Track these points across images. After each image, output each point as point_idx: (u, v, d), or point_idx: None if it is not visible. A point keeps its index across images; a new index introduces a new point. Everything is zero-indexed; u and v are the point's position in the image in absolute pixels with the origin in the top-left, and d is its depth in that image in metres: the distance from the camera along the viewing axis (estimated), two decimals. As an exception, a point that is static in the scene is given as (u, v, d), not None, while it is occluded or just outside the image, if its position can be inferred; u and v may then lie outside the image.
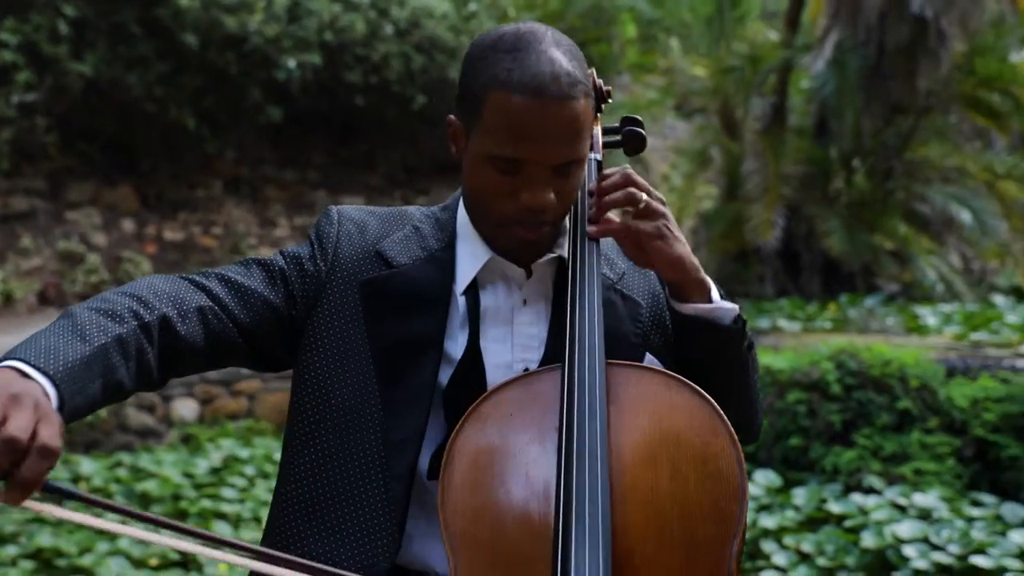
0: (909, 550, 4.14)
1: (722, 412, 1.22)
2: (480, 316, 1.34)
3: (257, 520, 4.62)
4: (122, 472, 5.22)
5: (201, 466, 5.34)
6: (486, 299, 1.36)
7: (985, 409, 5.20)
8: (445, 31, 10.35)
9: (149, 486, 4.94)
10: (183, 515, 4.67)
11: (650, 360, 1.36)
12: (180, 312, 1.23)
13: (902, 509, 4.61)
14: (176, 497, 4.91)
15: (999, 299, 9.59)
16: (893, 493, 4.77)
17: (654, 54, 16.47)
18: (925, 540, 4.23)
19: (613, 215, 1.36)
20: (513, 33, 1.27)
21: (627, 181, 1.30)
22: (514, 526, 1.19)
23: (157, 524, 1.02)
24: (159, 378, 1.23)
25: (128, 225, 9.22)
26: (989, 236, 9.54)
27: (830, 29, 9.70)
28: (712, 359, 1.31)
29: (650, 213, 1.29)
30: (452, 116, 1.34)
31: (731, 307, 1.32)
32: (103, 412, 5.85)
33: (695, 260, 1.31)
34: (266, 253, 9.82)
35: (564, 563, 1.12)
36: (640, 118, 1.52)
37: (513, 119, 1.22)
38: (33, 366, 1.04)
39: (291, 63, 9.13)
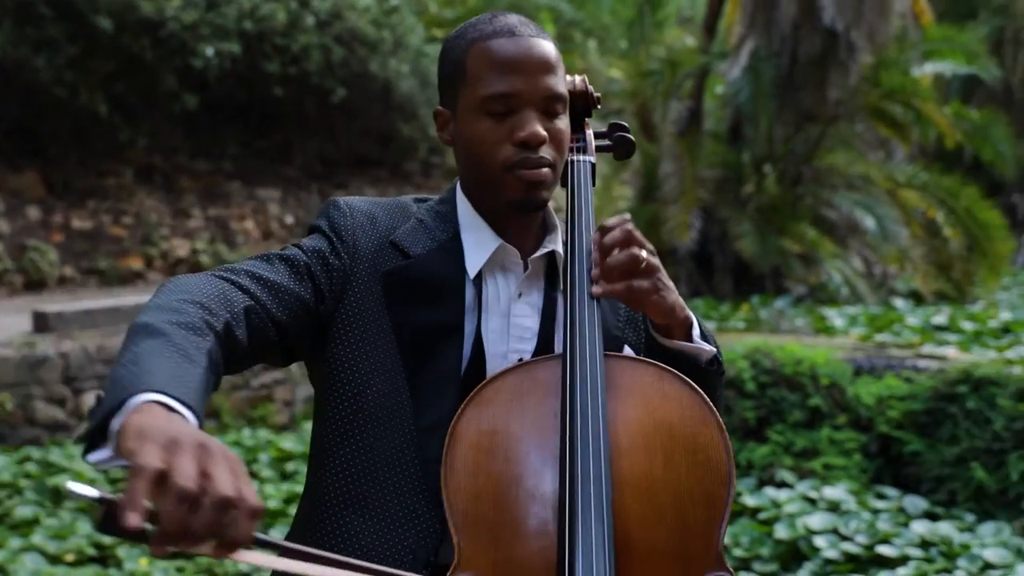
0: (820, 541, 4.31)
1: (711, 402, 1.28)
2: (483, 306, 1.38)
3: (176, 515, 4.52)
4: (32, 467, 5.05)
5: (115, 461, 5.21)
6: (488, 290, 1.40)
7: (889, 407, 5.45)
8: (367, 24, 10.27)
9: (61, 480, 4.80)
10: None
11: (628, 352, 1.41)
12: (234, 316, 1.21)
13: (812, 502, 4.79)
14: (89, 492, 4.78)
15: (899, 302, 10.01)
16: (804, 487, 4.95)
17: (572, 55, 16.65)
18: (835, 531, 4.41)
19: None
20: (475, 17, 1.40)
21: (629, 239, 1.32)
22: (516, 507, 1.22)
23: (359, 570, 1.02)
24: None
25: (33, 213, 8.89)
26: (890, 242, 9.95)
27: (745, 38, 9.97)
28: None
29: (649, 271, 1.32)
30: (438, 108, 1.40)
31: (709, 349, 1.38)
32: (9, 404, 5.66)
33: (683, 302, 1.36)
34: (178, 244, 9.57)
35: (571, 545, 1.16)
36: (626, 124, 1.59)
37: (496, 56, 1.32)
38: (176, 398, 0.99)
39: (209, 51, 8.95)
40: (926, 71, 11.58)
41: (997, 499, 4.91)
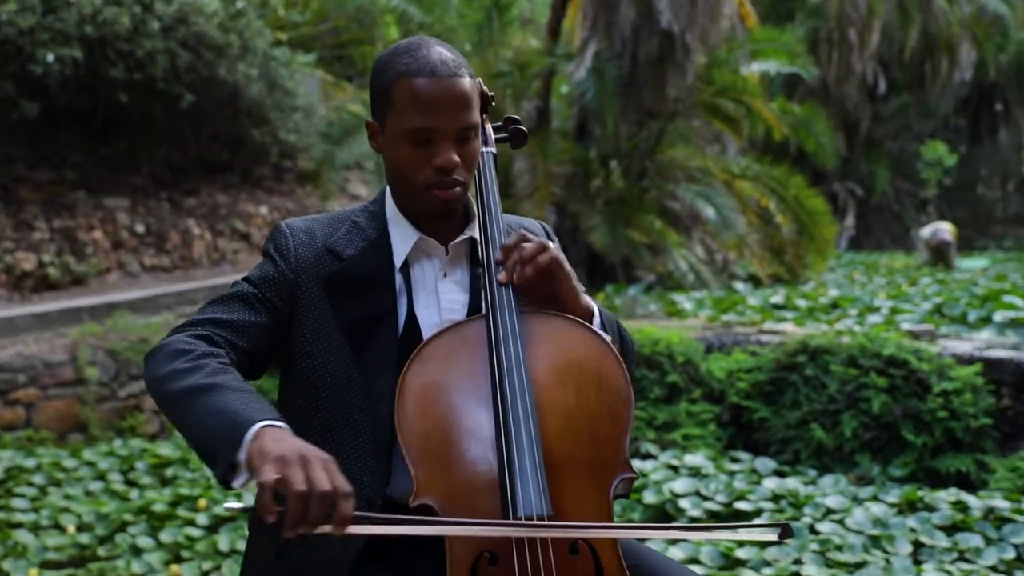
0: (684, 503, 4.69)
1: (608, 340, 1.58)
2: (412, 288, 1.64)
3: (58, 527, 4.48)
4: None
5: (-18, 479, 5.07)
6: (415, 273, 1.66)
7: (738, 379, 5.92)
8: (213, 28, 10.14)
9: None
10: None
11: None
12: (226, 353, 1.53)
13: (675, 469, 5.19)
14: (-41, 511, 4.66)
15: (739, 285, 10.71)
16: (667, 456, 5.34)
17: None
18: (697, 493, 4.81)
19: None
20: (405, 42, 1.62)
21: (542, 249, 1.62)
22: (461, 439, 1.49)
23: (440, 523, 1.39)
24: None
25: None
26: (730, 229, 10.61)
27: (588, 40, 10.41)
28: None
29: (552, 260, 1.60)
30: (369, 119, 1.65)
31: (606, 337, 1.65)
32: None
33: (586, 296, 1.65)
34: (23, 257, 9.16)
35: (510, 464, 1.44)
36: (519, 117, 1.85)
37: (417, 95, 1.54)
38: (269, 420, 1.35)
39: (49, 57, 8.66)
40: (753, 70, 12.37)
41: (834, 454, 5.45)
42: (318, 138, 11.95)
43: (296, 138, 11.83)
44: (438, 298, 1.66)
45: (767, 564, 3.95)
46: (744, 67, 11.80)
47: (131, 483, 5.23)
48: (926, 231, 14.05)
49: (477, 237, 1.69)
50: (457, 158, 1.58)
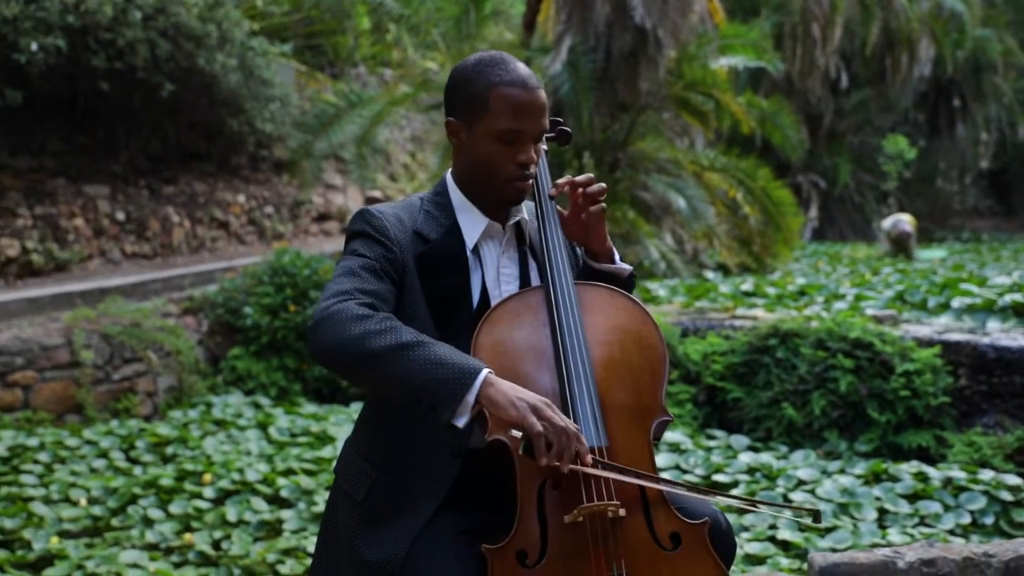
0: (665, 476, 4.98)
1: (645, 308, 1.90)
2: (483, 265, 1.94)
3: (69, 500, 4.67)
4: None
5: (-13, 457, 5.23)
6: (484, 254, 1.96)
7: (713, 361, 6.23)
8: (193, 19, 10.26)
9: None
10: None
11: None
12: None
13: (656, 445, 5.47)
14: (-31, 487, 4.82)
15: (709, 274, 11.03)
16: (647, 434, 5.62)
17: (388, 47, 16.95)
18: (677, 467, 5.10)
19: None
20: (488, 56, 1.92)
21: (595, 179, 1.97)
22: (528, 387, 1.74)
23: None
24: None
25: None
26: (700, 220, 10.93)
27: (563, 34, 10.66)
28: None
29: (603, 208, 1.95)
30: (450, 119, 1.92)
31: (627, 267, 2.03)
32: None
33: (608, 237, 2.00)
34: (7, 243, 9.22)
35: (573, 405, 1.74)
36: (561, 119, 2.15)
37: (513, 103, 1.86)
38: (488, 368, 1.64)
39: (33, 46, 8.74)
40: (721, 64, 12.69)
41: (804, 431, 5.77)
42: (293, 128, 12.10)
43: (272, 127, 11.97)
44: (499, 272, 1.96)
45: (745, 529, 4.25)
46: (713, 62, 12.10)
47: (133, 460, 5.42)
48: (887, 222, 14.48)
49: (524, 218, 2.01)
50: (535, 156, 1.91)
